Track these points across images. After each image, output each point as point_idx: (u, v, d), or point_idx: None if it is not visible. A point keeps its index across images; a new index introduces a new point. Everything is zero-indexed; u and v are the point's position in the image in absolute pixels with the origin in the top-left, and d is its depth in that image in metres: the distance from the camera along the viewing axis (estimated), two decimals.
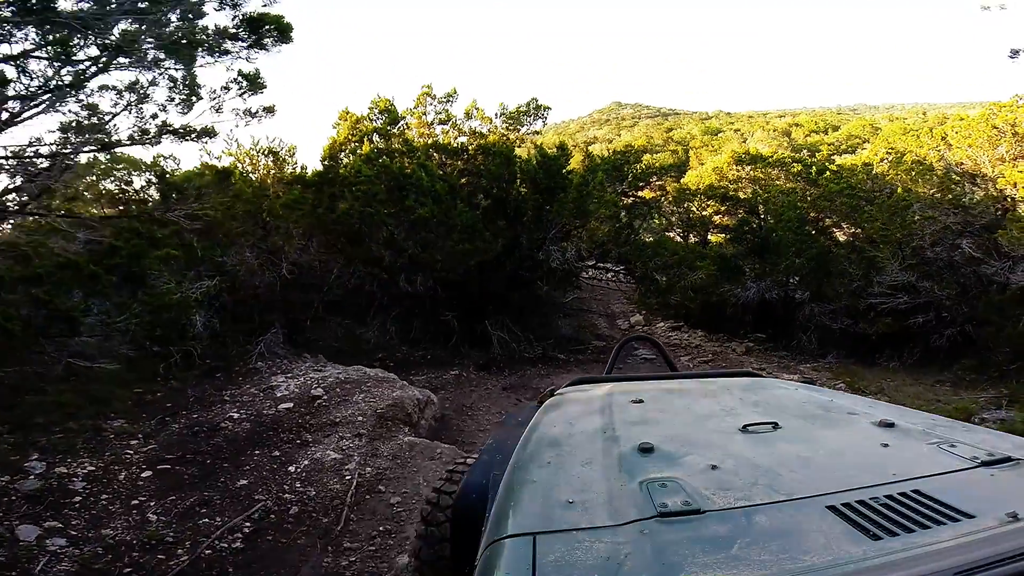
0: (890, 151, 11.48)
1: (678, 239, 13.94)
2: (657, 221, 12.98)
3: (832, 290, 9.90)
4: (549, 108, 11.95)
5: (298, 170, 8.17)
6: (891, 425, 1.27)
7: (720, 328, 12.24)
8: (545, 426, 1.45)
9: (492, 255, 8.52)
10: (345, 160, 8.41)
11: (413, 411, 5.21)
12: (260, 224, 7.24)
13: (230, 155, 7.94)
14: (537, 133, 12.11)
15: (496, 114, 11.54)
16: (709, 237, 13.47)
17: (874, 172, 11.10)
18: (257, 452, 4.64)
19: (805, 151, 24.63)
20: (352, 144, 8.61)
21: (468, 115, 11.98)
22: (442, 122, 11.77)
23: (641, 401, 1.60)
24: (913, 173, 9.69)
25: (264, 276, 7.12)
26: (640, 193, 10.82)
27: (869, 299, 9.44)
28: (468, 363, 8.49)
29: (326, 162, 8.46)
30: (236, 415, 5.18)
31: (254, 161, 7.98)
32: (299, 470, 4.34)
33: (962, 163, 9.70)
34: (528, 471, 1.12)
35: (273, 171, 8.10)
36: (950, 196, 9.50)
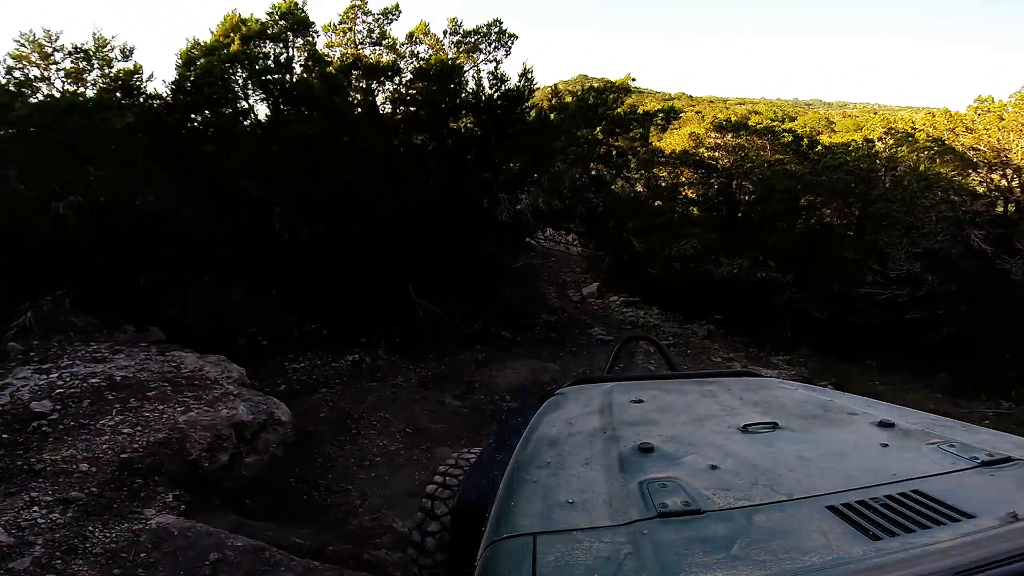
0: (890, 130, 9.71)
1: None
2: (618, 186, 10.80)
3: (824, 275, 8.12)
4: (515, 36, 9.31)
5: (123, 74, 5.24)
6: (891, 425, 1.19)
7: (677, 307, 10.50)
8: (545, 426, 1.36)
9: (424, 201, 6.12)
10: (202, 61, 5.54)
11: (208, 452, 2.85)
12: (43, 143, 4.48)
13: (16, 56, 4.95)
14: (497, 63, 9.48)
15: (446, 32, 8.81)
16: (677, 209, 11.54)
17: (875, 150, 9.33)
18: None
19: None
20: (223, 49, 5.75)
21: (412, 38, 9.19)
22: (375, 42, 8.95)
23: (641, 401, 1.51)
24: (932, 152, 7.89)
25: (55, 212, 4.43)
26: (617, 143, 8.45)
27: (865, 288, 7.72)
28: (378, 343, 6.14)
29: (180, 70, 5.58)
30: None
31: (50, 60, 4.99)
32: None
33: (977, 147, 7.98)
34: (528, 471, 1.05)
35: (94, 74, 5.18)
36: (969, 180, 7.82)
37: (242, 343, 5.35)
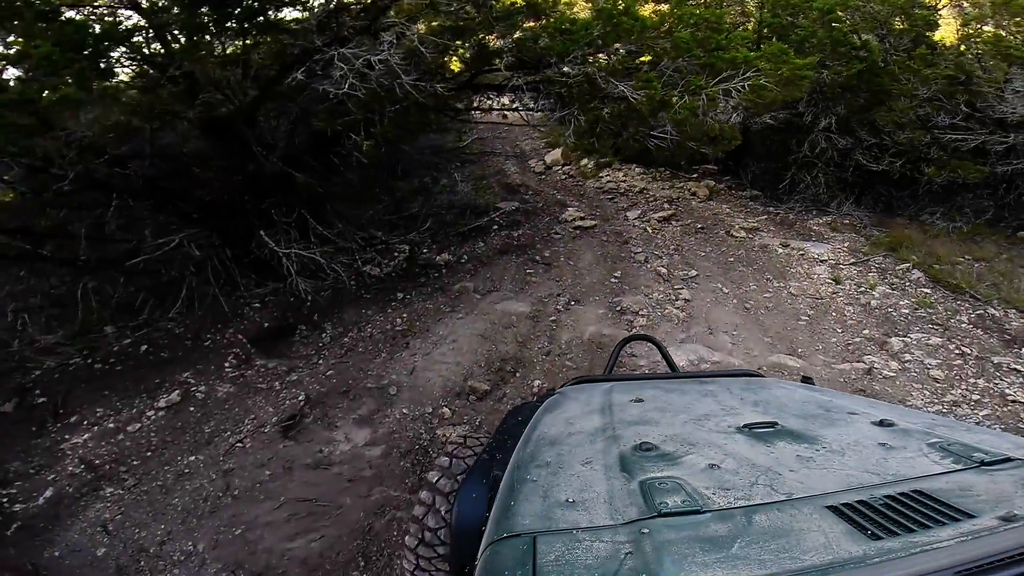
0: None
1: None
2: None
3: (883, 117, 5.45)
4: None
5: None
6: (891, 425, 1.15)
7: (661, 162, 7.96)
8: (545, 426, 1.32)
9: (229, 109, 3.22)
10: None
11: None
12: None
13: None
14: None
15: None
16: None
17: None
18: None
19: None
20: None
21: None
22: None
23: (641, 400, 1.47)
24: None
25: None
26: None
27: (946, 133, 5.17)
28: (228, 346, 3.85)
29: None
30: None
31: None
32: None
33: None
34: (528, 471, 1.03)
35: None
36: None
37: (8, 408, 3.10)
